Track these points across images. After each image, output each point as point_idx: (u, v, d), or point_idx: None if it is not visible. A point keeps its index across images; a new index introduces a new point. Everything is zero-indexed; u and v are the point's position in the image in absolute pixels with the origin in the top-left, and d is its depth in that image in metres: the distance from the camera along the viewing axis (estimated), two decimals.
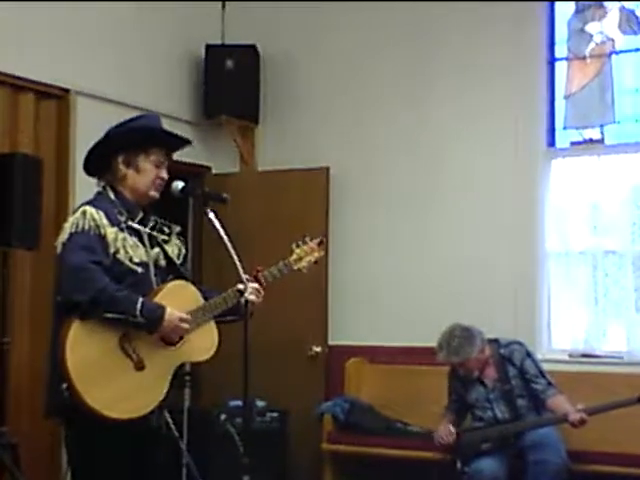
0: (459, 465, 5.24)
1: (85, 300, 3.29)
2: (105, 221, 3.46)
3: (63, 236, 3.44)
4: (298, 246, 3.90)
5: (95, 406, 3.28)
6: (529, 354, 5.32)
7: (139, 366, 3.41)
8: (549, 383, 5.23)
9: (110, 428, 3.33)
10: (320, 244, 3.95)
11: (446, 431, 5.29)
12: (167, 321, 3.42)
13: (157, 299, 3.49)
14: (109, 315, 3.33)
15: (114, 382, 3.35)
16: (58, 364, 3.31)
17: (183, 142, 3.76)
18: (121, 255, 3.46)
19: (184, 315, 3.49)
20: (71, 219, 3.47)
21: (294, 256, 3.88)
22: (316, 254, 3.93)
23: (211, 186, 6.49)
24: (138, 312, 3.35)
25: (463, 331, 5.23)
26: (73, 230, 3.42)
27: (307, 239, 3.92)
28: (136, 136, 3.61)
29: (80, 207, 3.51)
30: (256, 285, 3.66)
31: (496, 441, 5.19)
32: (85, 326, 3.33)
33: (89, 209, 3.46)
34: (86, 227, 3.41)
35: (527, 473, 5.08)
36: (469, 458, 5.20)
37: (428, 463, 5.49)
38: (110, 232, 3.45)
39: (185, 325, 3.48)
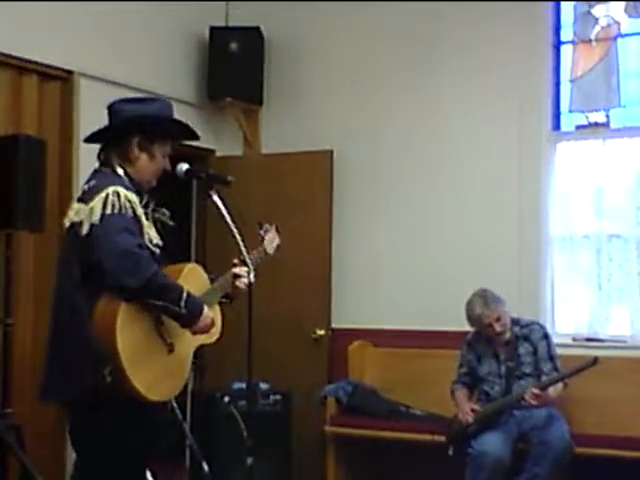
0: (451, 451, 5.31)
1: (136, 285, 3.24)
2: (138, 202, 3.42)
3: (92, 217, 3.31)
4: (265, 232, 4.09)
5: (140, 389, 3.28)
6: (546, 336, 5.40)
7: (170, 349, 3.44)
8: (555, 368, 5.27)
9: (136, 411, 3.35)
10: (277, 230, 4.16)
11: (468, 410, 5.33)
12: (203, 317, 3.45)
13: (179, 281, 3.48)
14: (156, 302, 3.31)
15: (154, 365, 3.37)
16: (104, 347, 3.25)
17: (194, 137, 3.77)
18: (145, 237, 3.45)
19: (214, 318, 3.55)
20: (98, 199, 3.34)
21: (265, 242, 4.06)
22: (277, 240, 4.14)
23: (215, 169, 6.47)
24: (183, 303, 3.34)
25: (490, 291, 5.39)
26: (109, 211, 3.31)
27: (267, 226, 4.12)
28: (161, 125, 3.59)
29: (105, 187, 3.38)
30: (246, 269, 3.69)
31: (480, 423, 5.26)
32: (130, 309, 3.30)
33: (122, 190, 3.38)
34: (122, 208, 3.34)
35: (530, 453, 5.11)
36: (459, 443, 5.28)
37: (430, 446, 5.50)
38: (142, 214, 3.43)
39: (212, 328, 3.54)
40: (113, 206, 3.32)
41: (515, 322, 5.41)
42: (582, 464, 5.19)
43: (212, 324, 3.53)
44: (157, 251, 3.51)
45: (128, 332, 3.28)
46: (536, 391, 5.09)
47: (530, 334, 5.37)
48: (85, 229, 3.33)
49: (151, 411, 3.44)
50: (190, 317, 3.40)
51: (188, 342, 3.53)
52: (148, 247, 3.43)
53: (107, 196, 3.34)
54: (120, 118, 3.57)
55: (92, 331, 3.29)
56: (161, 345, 3.41)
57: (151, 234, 3.49)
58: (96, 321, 3.29)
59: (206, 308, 3.47)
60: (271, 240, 4.09)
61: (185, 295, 3.36)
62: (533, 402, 5.09)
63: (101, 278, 3.27)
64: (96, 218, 3.31)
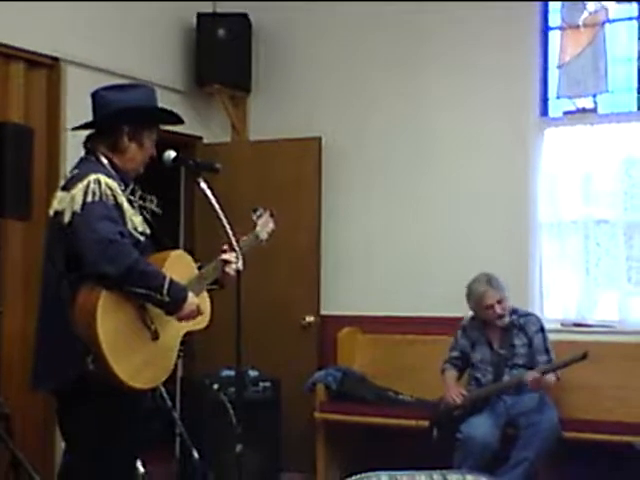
0: (435, 433, 5.34)
1: (116, 273, 3.24)
2: (119, 190, 3.42)
3: (73, 205, 3.32)
4: (258, 218, 4.06)
5: (123, 377, 3.28)
6: (542, 329, 5.41)
7: (154, 336, 3.43)
8: (549, 361, 5.29)
9: (114, 399, 3.35)
10: (272, 216, 4.12)
11: (457, 392, 5.36)
12: (187, 304, 3.44)
13: (164, 268, 3.47)
14: (137, 290, 3.31)
15: (136, 352, 3.36)
16: (85, 336, 3.25)
17: (178, 122, 3.77)
18: (129, 225, 3.44)
19: (200, 305, 3.53)
20: (81, 187, 3.34)
21: (258, 228, 4.03)
22: (271, 225, 4.11)
23: (202, 156, 6.48)
24: (165, 291, 3.34)
25: (494, 275, 5.41)
26: (90, 199, 3.31)
27: (260, 211, 4.08)
28: (149, 114, 3.60)
29: (87, 175, 3.39)
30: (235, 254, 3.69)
31: (467, 407, 5.29)
32: (111, 297, 3.29)
33: (103, 178, 3.38)
34: (103, 196, 3.34)
35: (519, 437, 5.14)
36: (444, 425, 5.32)
37: (419, 431, 5.51)
38: (124, 201, 3.42)
39: (198, 315, 3.53)
40: (94, 194, 3.33)
41: (513, 311, 5.43)
42: (570, 448, 5.22)
43: (198, 311, 3.52)
44: (142, 239, 3.50)
45: (109, 320, 3.27)
46: (537, 375, 5.11)
47: (526, 325, 5.38)
48: (67, 217, 3.34)
49: (138, 398, 3.44)
50: (174, 304, 3.40)
51: (174, 329, 3.52)
52: (133, 235, 3.43)
53: (88, 184, 3.35)
54: (107, 109, 3.55)
55: (74, 320, 3.29)
56: (145, 332, 3.40)
57: (136, 221, 3.48)
58: (77, 310, 3.29)
59: (190, 295, 3.46)
60: (264, 225, 4.06)
61: (167, 282, 3.35)
62: (534, 386, 5.12)
63: (83, 266, 3.28)
64: (77, 206, 3.32)
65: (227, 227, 3.53)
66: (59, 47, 5.74)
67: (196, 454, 4.86)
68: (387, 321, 6.37)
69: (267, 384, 6.06)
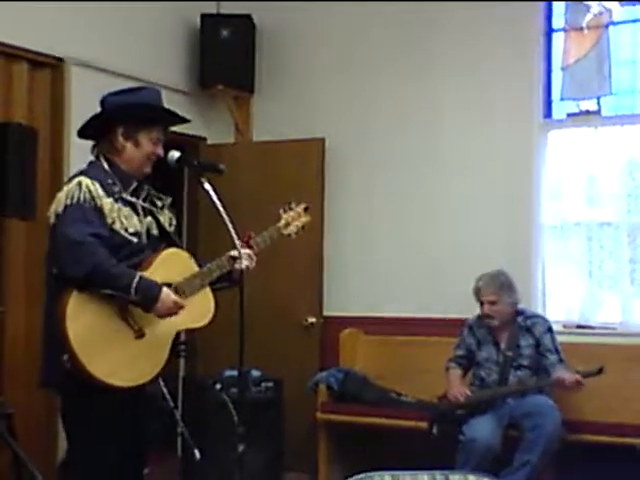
0: (435, 430, 5.33)
1: (81, 274, 3.29)
2: (101, 192, 3.45)
3: (58, 207, 3.42)
4: (285, 211, 3.96)
5: (98, 375, 3.29)
6: (550, 329, 5.40)
7: (139, 334, 3.43)
8: (560, 360, 5.28)
9: (108, 397, 3.35)
10: (306, 210, 4.01)
11: (461, 390, 5.36)
12: (161, 301, 3.43)
13: (152, 269, 3.48)
14: (104, 291, 3.34)
15: (115, 350, 3.36)
16: (58, 335, 3.30)
17: (183, 121, 3.79)
18: (117, 226, 3.47)
19: (179, 300, 3.49)
20: (65, 190, 3.44)
21: (282, 222, 3.94)
22: (303, 219, 4.00)
23: (206, 156, 6.49)
24: (133, 290, 3.35)
25: (509, 279, 5.41)
26: (69, 202, 3.39)
27: (293, 205, 3.98)
28: (141, 111, 3.60)
29: (74, 177, 3.49)
30: (249, 251, 3.69)
31: (470, 407, 5.28)
32: (84, 296, 3.33)
33: (84, 180, 3.44)
34: (82, 199, 3.39)
35: (522, 439, 5.13)
36: (445, 422, 5.31)
37: (421, 432, 5.51)
38: (106, 203, 3.45)
39: (179, 309, 3.49)
40: (73, 197, 3.40)
41: (519, 312, 5.43)
42: (573, 451, 5.21)
43: (177, 306, 3.47)
44: (135, 239, 3.52)
45: (81, 320, 3.31)
46: (579, 378, 5.06)
47: (533, 327, 5.38)
48: (52, 219, 3.45)
49: (138, 398, 3.45)
50: (145, 303, 3.40)
51: (165, 327, 3.51)
52: (123, 236, 3.47)
53: (71, 187, 3.43)
54: (104, 110, 3.61)
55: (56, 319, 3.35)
56: (126, 331, 3.41)
57: (127, 223, 3.51)
58: (56, 310, 3.34)
59: (165, 291, 3.44)
60: (292, 219, 3.95)
61: (136, 282, 3.35)
62: (572, 388, 5.10)
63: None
64: (60, 209, 3.41)
65: (230, 228, 3.53)
66: (63, 47, 5.74)
67: (198, 454, 4.86)
68: (389, 322, 6.37)
69: (269, 384, 6.06)
